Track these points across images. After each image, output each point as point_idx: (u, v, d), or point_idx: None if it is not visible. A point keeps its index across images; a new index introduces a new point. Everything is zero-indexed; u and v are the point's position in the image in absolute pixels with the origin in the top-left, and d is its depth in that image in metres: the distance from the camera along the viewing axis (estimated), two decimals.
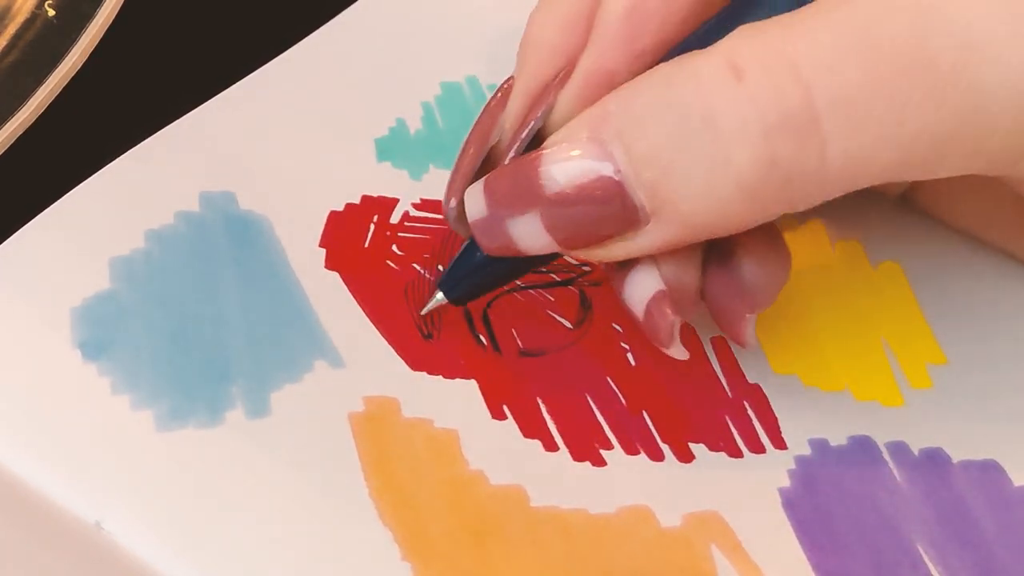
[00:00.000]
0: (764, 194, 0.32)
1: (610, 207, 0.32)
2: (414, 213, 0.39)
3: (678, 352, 0.35)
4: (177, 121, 0.40)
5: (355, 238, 0.39)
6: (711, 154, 0.32)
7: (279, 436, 0.35)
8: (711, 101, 0.32)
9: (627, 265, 0.35)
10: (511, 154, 0.35)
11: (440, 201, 0.39)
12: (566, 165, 0.33)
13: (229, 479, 0.34)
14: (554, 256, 0.35)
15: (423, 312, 0.37)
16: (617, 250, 0.33)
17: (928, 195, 0.40)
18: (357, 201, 0.39)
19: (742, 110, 0.31)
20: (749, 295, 0.35)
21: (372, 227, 0.39)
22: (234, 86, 0.41)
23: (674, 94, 0.32)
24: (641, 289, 0.34)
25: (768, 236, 0.35)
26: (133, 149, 0.39)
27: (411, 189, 0.40)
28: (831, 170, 0.32)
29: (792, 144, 0.31)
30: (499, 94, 0.36)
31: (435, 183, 0.40)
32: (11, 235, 0.37)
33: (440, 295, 0.36)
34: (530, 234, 0.33)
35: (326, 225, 0.39)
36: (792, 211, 0.32)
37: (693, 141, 0.32)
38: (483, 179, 0.34)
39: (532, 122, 0.35)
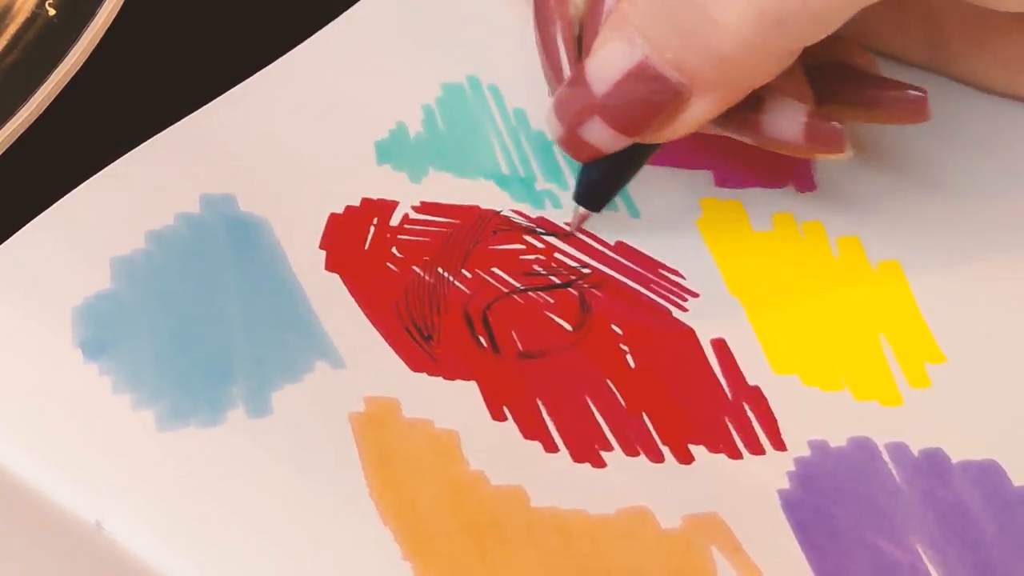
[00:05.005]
0: (765, 43, 0.36)
1: (653, 87, 0.37)
2: (414, 216, 0.39)
3: (851, 151, 0.38)
4: (178, 123, 0.40)
5: (355, 240, 0.39)
6: (704, 25, 0.36)
7: (280, 436, 0.35)
8: None
9: (758, 110, 0.38)
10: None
11: (439, 204, 0.39)
12: (607, 66, 0.37)
13: (230, 479, 0.34)
14: (656, 146, 0.39)
15: (570, 226, 0.40)
16: (680, 126, 0.38)
17: (947, 55, 0.43)
18: (357, 203, 0.39)
19: None
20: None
21: (372, 229, 0.39)
22: (235, 88, 0.41)
23: None
24: (790, 115, 0.38)
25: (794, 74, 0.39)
26: (134, 150, 0.39)
27: (411, 192, 0.40)
28: (812, 4, 0.36)
29: None
30: None
31: (435, 186, 0.40)
32: (11, 235, 0.37)
33: (582, 209, 0.39)
34: (600, 134, 0.38)
35: (326, 227, 0.39)
36: (801, 47, 0.37)
37: (688, 20, 0.36)
38: (552, 103, 0.38)
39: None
